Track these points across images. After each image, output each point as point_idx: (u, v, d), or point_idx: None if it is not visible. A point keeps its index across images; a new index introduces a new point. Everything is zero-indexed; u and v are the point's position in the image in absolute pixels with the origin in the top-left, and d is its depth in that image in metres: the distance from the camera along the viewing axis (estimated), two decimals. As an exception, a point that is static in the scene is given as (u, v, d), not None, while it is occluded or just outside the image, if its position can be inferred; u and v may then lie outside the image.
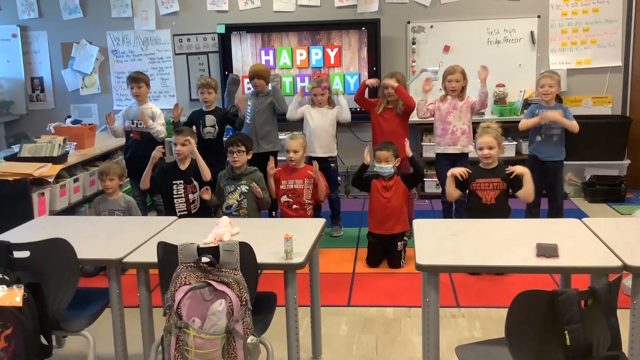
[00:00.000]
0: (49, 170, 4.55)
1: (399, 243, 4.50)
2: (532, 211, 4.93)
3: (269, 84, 5.32)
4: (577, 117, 5.06)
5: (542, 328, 1.91)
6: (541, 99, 4.96)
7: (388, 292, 4.08)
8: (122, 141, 5.50)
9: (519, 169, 4.14)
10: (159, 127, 5.15)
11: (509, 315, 1.92)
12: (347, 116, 5.31)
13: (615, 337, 1.86)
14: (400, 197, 4.54)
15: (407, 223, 4.55)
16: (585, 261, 2.47)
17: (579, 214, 5.48)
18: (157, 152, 4.51)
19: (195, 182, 4.55)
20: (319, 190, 4.67)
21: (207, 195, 4.43)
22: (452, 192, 4.28)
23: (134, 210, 4.52)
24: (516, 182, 4.21)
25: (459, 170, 4.22)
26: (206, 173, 4.50)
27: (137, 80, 5.18)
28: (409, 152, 4.61)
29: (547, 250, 2.51)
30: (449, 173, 4.27)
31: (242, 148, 4.47)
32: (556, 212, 4.95)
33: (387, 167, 4.49)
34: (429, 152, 6.27)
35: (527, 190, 4.14)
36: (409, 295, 3.95)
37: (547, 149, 4.89)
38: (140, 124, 5.18)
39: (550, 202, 5.00)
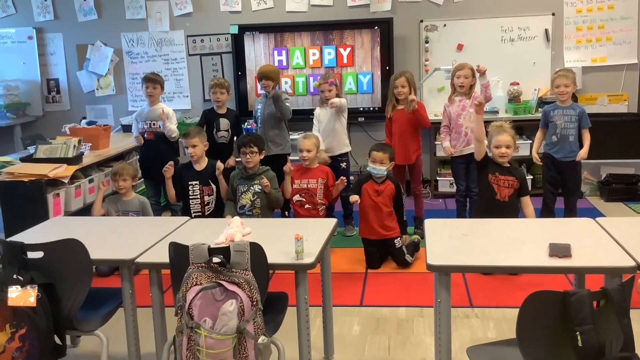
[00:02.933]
0: (64, 171, 4.59)
1: (395, 241, 4.47)
2: (544, 214, 4.88)
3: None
4: (592, 115, 5.00)
5: (554, 329, 1.90)
6: (557, 98, 4.89)
7: (401, 292, 4.07)
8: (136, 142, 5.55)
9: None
10: (172, 125, 5.21)
11: (520, 315, 1.91)
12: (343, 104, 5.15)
13: (627, 338, 1.84)
14: (389, 202, 4.49)
15: (397, 229, 4.52)
16: (599, 261, 2.44)
17: (595, 213, 5.44)
18: (167, 170, 4.56)
19: (212, 185, 4.58)
20: (333, 194, 4.69)
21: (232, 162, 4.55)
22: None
23: (147, 211, 4.56)
24: (524, 187, 4.23)
25: None
26: (224, 192, 4.65)
27: (154, 81, 5.24)
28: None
29: (559, 250, 2.48)
30: None
31: (255, 149, 4.49)
32: (570, 210, 4.90)
33: (380, 169, 4.45)
34: (442, 152, 6.22)
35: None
36: (422, 295, 3.94)
37: (563, 149, 4.82)
38: (154, 124, 5.23)
39: (566, 200, 4.95)
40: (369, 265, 4.51)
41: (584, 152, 4.77)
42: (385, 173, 4.49)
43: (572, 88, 4.79)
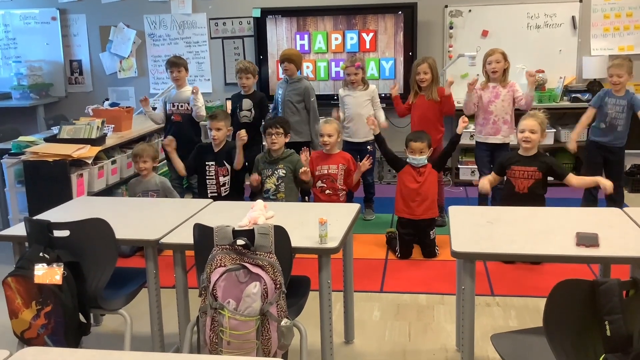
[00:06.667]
0: (88, 151, 4.62)
1: (431, 232, 4.44)
2: (588, 199, 4.88)
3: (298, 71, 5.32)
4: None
5: (582, 318, 1.87)
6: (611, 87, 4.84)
7: (421, 279, 4.06)
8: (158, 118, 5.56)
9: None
10: (200, 103, 5.21)
11: (547, 304, 1.89)
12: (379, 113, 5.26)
13: (657, 329, 1.81)
14: (432, 184, 4.47)
15: (437, 210, 4.52)
16: (627, 251, 2.41)
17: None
18: (167, 144, 4.63)
19: (227, 166, 4.58)
20: (354, 178, 4.66)
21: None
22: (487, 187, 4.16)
23: (167, 191, 4.58)
24: (558, 171, 4.13)
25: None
26: (238, 163, 4.53)
27: (177, 64, 5.23)
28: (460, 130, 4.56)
29: (587, 239, 2.45)
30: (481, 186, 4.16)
31: (281, 130, 4.45)
32: (616, 197, 4.81)
33: (421, 159, 4.41)
34: (464, 139, 6.16)
35: (582, 181, 4.17)
36: (443, 283, 3.92)
37: (609, 136, 4.83)
38: (182, 106, 5.24)
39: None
40: (403, 254, 4.43)
41: None
42: (426, 162, 4.46)
43: (626, 78, 4.73)
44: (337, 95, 5.37)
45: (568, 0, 6.23)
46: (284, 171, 4.44)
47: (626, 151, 5.98)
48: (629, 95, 4.80)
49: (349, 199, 4.87)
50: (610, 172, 4.90)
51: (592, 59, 6.22)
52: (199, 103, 5.19)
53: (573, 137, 4.99)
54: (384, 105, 6.17)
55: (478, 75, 5.17)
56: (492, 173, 4.29)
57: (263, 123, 4.98)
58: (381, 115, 5.24)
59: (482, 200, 4.99)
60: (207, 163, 4.60)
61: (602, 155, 4.87)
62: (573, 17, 6.25)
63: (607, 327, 1.82)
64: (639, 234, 2.59)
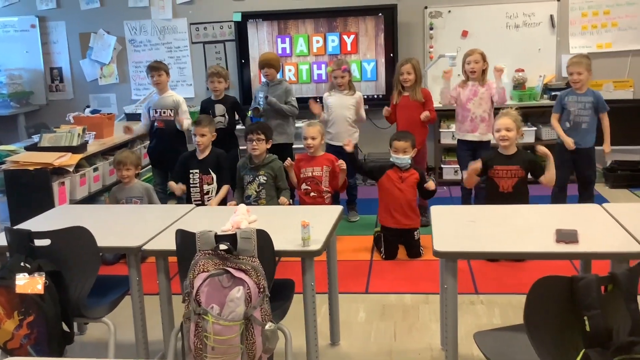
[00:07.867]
0: (69, 159, 4.59)
1: (415, 232, 4.46)
2: (558, 196, 4.86)
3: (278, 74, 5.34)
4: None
5: (562, 314, 1.89)
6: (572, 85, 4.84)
7: (406, 279, 4.07)
8: (142, 130, 5.55)
9: (542, 150, 4.07)
10: (187, 122, 5.21)
11: (527, 301, 1.91)
12: (362, 115, 5.29)
13: (635, 323, 1.83)
14: (413, 191, 4.48)
15: (418, 218, 4.51)
16: (606, 247, 2.44)
17: (600, 200, 5.42)
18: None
19: (212, 174, 4.56)
20: (339, 180, 4.66)
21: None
22: (472, 181, 4.25)
23: (152, 197, 4.56)
24: (537, 168, 4.16)
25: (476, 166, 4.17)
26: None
27: (157, 68, 5.22)
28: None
29: (566, 236, 2.48)
30: (470, 168, 4.20)
31: (262, 136, 4.44)
32: (587, 198, 4.86)
33: (404, 158, 4.43)
34: (446, 139, 6.24)
35: (550, 175, 4.11)
36: (427, 282, 3.94)
37: (575, 137, 4.80)
38: (164, 112, 5.22)
39: (581, 188, 4.92)
40: (387, 255, 4.44)
41: (606, 145, 4.80)
42: (410, 162, 4.46)
43: (585, 76, 4.71)
44: (322, 98, 5.36)
45: (546, 0, 6.29)
46: (265, 178, 4.44)
47: (612, 147, 6.08)
48: (593, 95, 4.76)
49: (335, 200, 4.87)
50: (580, 173, 4.92)
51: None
52: (185, 124, 5.19)
53: (565, 139, 4.83)
54: (367, 107, 6.20)
55: (459, 75, 5.20)
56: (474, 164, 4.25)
57: (243, 127, 4.98)
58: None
59: (466, 200, 5.04)
60: (191, 171, 4.59)
61: (571, 156, 4.85)
62: (551, 16, 6.31)
63: (587, 322, 1.84)
64: (617, 229, 2.62)
